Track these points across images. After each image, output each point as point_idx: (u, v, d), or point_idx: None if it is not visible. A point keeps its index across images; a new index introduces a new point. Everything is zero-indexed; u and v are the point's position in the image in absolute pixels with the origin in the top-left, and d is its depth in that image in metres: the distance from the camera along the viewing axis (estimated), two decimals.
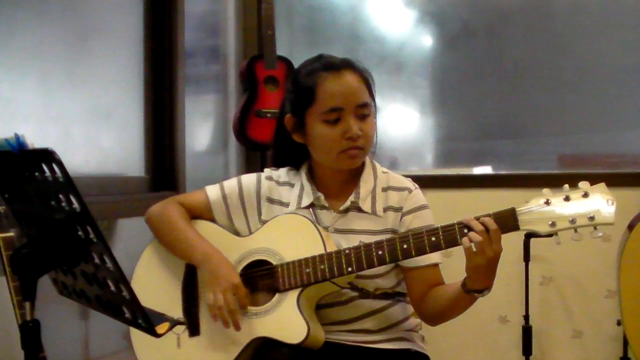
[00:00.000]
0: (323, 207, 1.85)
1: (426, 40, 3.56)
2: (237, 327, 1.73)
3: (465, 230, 1.63)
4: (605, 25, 3.20)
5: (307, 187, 1.86)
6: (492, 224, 1.60)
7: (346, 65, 1.80)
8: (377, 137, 1.86)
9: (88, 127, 2.53)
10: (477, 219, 1.63)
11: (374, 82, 1.85)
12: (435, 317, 1.84)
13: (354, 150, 1.78)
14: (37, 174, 1.27)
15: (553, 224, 1.59)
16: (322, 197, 1.85)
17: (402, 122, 3.54)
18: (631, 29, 3.16)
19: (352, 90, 1.78)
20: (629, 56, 3.17)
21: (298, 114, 1.82)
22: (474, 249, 1.59)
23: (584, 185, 1.60)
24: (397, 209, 1.83)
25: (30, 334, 1.27)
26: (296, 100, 1.83)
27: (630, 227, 2.64)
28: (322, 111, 1.77)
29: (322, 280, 1.72)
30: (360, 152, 1.80)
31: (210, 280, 1.78)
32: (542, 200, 1.61)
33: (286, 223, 1.81)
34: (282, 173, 1.93)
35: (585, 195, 1.59)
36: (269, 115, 3.16)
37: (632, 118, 3.17)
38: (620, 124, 3.20)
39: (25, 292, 1.28)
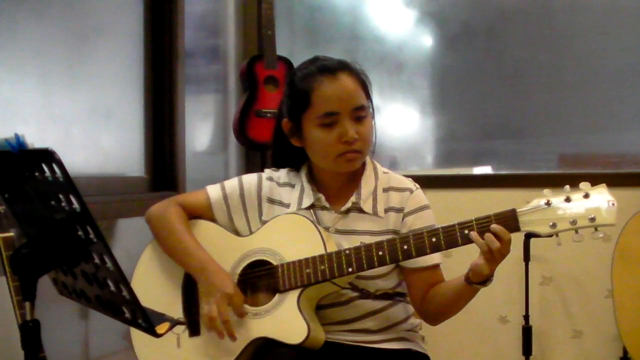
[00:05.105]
0: (324, 208, 1.85)
1: (426, 40, 3.56)
2: (233, 338, 1.73)
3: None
4: (605, 25, 3.20)
5: (308, 188, 1.86)
6: (505, 234, 1.60)
7: (342, 67, 1.79)
8: (375, 137, 1.85)
9: (88, 127, 2.53)
10: (479, 221, 1.63)
11: (371, 82, 1.84)
12: (437, 315, 1.84)
13: (351, 154, 1.78)
14: (37, 174, 1.27)
15: (554, 225, 1.59)
16: (322, 198, 1.85)
17: (402, 122, 3.54)
18: (631, 29, 3.16)
19: (347, 93, 1.77)
20: (629, 56, 3.17)
21: (294, 118, 1.82)
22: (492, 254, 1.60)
23: (584, 186, 1.60)
24: (398, 210, 1.83)
25: (30, 334, 1.27)
26: (292, 105, 1.82)
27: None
28: (318, 115, 1.76)
29: (322, 280, 1.72)
30: (357, 155, 1.79)
31: (205, 291, 1.78)
32: (543, 201, 1.61)
33: (287, 223, 1.81)
34: (282, 174, 1.93)
35: (586, 196, 1.59)
36: (269, 115, 3.16)
37: (632, 118, 3.17)
38: (621, 124, 3.20)
39: (25, 292, 1.28)
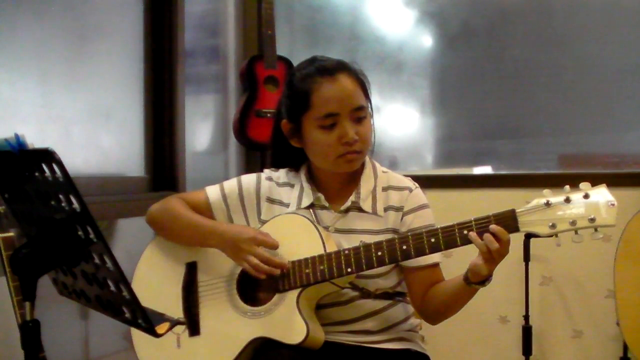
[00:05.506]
0: (323, 207, 1.85)
1: (426, 40, 3.56)
2: (281, 266, 1.73)
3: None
4: (605, 25, 3.20)
5: (307, 188, 1.86)
6: (504, 234, 1.60)
7: (340, 68, 1.79)
8: (374, 137, 1.86)
9: (88, 127, 2.54)
10: (478, 222, 1.63)
11: (369, 82, 1.85)
12: (437, 314, 1.84)
13: (351, 155, 1.78)
14: (37, 174, 1.27)
15: (553, 226, 1.59)
16: (322, 197, 1.85)
17: (402, 122, 3.54)
18: (631, 29, 3.15)
19: (347, 94, 1.77)
20: (629, 56, 3.17)
21: (294, 120, 1.82)
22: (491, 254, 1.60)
23: (584, 186, 1.60)
24: (398, 209, 1.83)
25: (30, 334, 1.27)
26: (291, 106, 1.82)
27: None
28: (318, 117, 1.77)
29: (321, 280, 1.72)
30: (357, 155, 1.79)
31: (232, 252, 1.78)
32: (543, 202, 1.60)
33: (286, 223, 1.81)
34: (281, 174, 1.93)
35: (586, 196, 1.58)
36: (269, 115, 3.16)
37: (632, 118, 3.16)
38: (621, 124, 3.20)
39: (25, 292, 1.28)
